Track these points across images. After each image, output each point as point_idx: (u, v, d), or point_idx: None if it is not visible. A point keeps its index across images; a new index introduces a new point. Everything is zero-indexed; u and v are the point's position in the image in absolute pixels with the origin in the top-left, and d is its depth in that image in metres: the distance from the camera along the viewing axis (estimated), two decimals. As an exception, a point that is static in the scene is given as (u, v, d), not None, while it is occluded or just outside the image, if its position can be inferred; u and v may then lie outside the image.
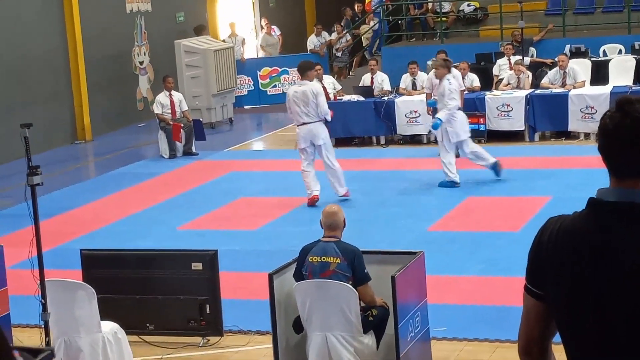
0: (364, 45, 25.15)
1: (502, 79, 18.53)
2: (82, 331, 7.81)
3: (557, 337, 3.14)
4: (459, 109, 14.08)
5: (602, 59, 19.77)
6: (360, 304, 7.36)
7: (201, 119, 18.85)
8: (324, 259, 7.39)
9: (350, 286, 7.30)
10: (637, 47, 19.93)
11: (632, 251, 2.85)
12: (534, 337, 3.12)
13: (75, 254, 9.10)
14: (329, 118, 13.83)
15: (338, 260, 7.36)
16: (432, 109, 14.71)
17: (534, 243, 3.08)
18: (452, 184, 13.85)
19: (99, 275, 8.61)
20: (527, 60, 19.25)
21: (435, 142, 16.52)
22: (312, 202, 13.35)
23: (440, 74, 14.07)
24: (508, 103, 17.11)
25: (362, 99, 18.10)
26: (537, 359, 3.14)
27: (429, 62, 20.14)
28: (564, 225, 3.01)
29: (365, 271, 7.40)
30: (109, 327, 7.95)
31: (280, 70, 23.74)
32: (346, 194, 13.52)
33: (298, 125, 13.47)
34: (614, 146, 2.91)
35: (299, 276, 7.48)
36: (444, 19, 23.66)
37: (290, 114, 13.60)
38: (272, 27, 25.38)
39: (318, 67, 18.77)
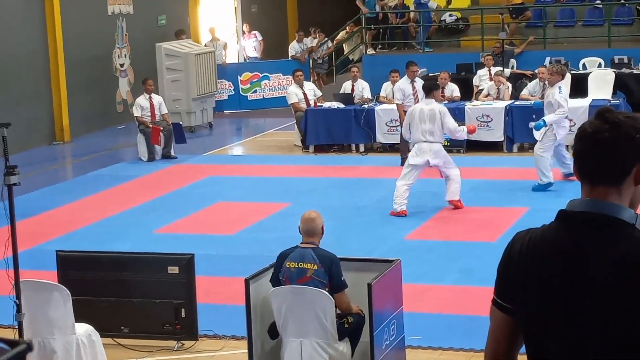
0: (345, 52, 25.17)
1: (482, 90, 18.60)
2: (56, 333, 7.77)
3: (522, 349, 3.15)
4: (566, 117, 14.23)
5: (582, 72, 19.90)
6: (336, 311, 7.36)
7: (181, 123, 18.81)
8: (301, 265, 7.39)
9: (327, 293, 7.30)
10: (616, 61, 20.07)
11: (603, 263, 2.85)
12: (501, 352, 3.11)
13: (51, 255, 9.04)
14: (464, 136, 13.89)
15: (315, 267, 7.36)
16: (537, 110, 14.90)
17: (504, 256, 3.07)
18: (548, 187, 13.88)
19: (74, 277, 8.57)
20: (507, 71, 19.35)
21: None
22: (398, 214, 13.04)
23: (553, 80, 14.11)
24: (487, 114, 17.17)
25: (342, 106, 18.11)
26: None
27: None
28: (533, 238, 3.00)
29: (342, 279, 7.40)
30: (84, 329, 7.92)
31: (261, 75, 23.74)
32: (455, 202, 13.23)
33: (416, 143, 13.27)
34: (590, 150, 2.92)
35: (276, 281, 7.48)
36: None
37: (407, 132, 13.40)
38: (254, 32, 25.38)
39: (299, 73, 18.82)
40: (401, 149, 16.36)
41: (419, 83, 16.59)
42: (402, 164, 16.00)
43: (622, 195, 2.92)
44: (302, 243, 7.54)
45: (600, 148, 2.90)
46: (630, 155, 2.90)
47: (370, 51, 23.81)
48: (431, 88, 13.66)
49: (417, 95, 16.33)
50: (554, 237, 2.95)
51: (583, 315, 2.86)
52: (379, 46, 24.34)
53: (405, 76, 16.76)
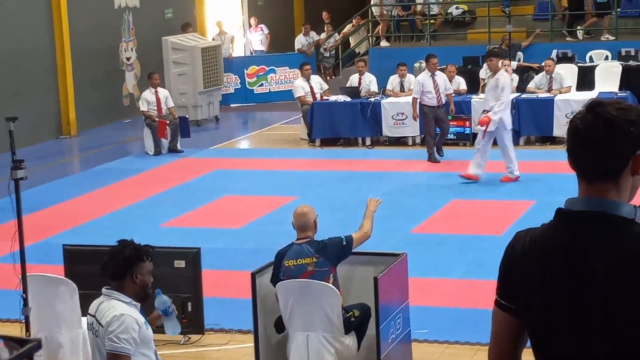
0: (351, 46, 25.16)
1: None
2: (63, 327, 7.79)
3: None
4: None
5: (589, 64, 19.85)
6: (342, 305, 7.37)
7: (187, 116, 18.81)
8: (299, 261, 7.39)
9: (332, 286, 7.30)
10: (623, 53, 20.01)
11: (604, 260, 2.84)
12: (506, 352, 3.09)
13: (58, 249, 9.07)
14: None
15: (314, 260, 7.36)
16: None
17: (505, 257, 3.04)
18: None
19: (81, 271, 8.56)
20: (514, 64, 19.29)
21: (421, 144, 16.58)
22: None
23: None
24: (494, 107, 17.08)
25: (348, 99, 18.09)
26: None
27: (416, 65, 20.18)
28: (534, 238, 2.98)
29: (341, 240, 7.41)
30: (90, 323, 7.92)
31: (267, 69, 23.73)
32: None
33: None
34: (585, 148, 2.88)
35: (276, 281, 7.46)
36: (432, 21, 23.71)
37: None
38: (260, 25, 25.37)
39: (307, 67, 18.79)
40: (427, 144, 16.15)
41: (440, 77, 16.31)
42: (430, 159, 15.93)
43: (620, 189, 2.89)
44: (297, 239, 7.53)
45: (595, 146, 2.86)
46: (625, 149, 2.86)
47: (384, 43, 23.74)
48: None
49: (438, 90, 16.02)
50: (554, 236, 2.93)
51: (589, 313, 2.85)
52: (384, 39, 24.31)
53: (426, 70, 16.55)
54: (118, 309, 5.20)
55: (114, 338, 5.13)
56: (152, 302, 5.63)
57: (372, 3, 24.10)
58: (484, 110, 14.47)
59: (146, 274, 5.33)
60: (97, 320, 5.25)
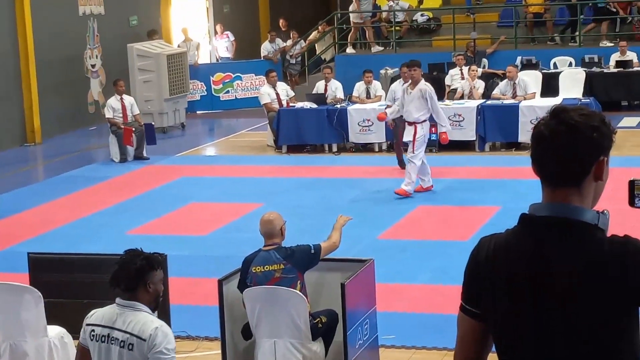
0: (317, 52, 25.22)
1: (454, 89, 18.65)
2: (28, 335, 7.73)
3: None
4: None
5: (553, 71, 20.03)
6: (309, 311, 7.37)
7: (153, 123, 18.75)
8: (267, 268, 7.39)
9: (300, 293, 7.31)
10: (587, 60, 20.21)
11: (567, 265, 2.86)
12: (472, 357, 3.11)
13: (23, 257, 9.00)
14: None
15: (282, 266, 7.37)
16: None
17: (470, 263, 3.06)
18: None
19: (46, 279, 8.52)
20: (479, 70, 19.42)
21: (387, 150, 16.60)
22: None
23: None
24: (460, 113, 17.21)
25: (315, 106, 18.11)
26: None
27: (382, 71, 20.26)
28: (498, 243, 3.00)
29: (310, 249, 7.42)
30: (56, 331, 7.88)
31: (233, 76, 23.70)
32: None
33: None
34: (549, 153, 2.91)
35: (243, 287, 7.45)
36: (397, 28, 23.80)
37: None
38: (226, 32, 25.35)
39: (273, 74, 18.80)
40: (396, 151, 16.15)
41: None
42: (399, 165, 15.95)
43: (583, 195, 2.92)
44: (264, 246, 7.53)
45: (559, 151, 2.88)
46: (588, 155, 2.89)
47: (350, 50, 23.83)
48: None
49: None
50: (517, 241, 2.95)
51: (553, 317, 2.88)
52: (350, 46, 24.38)
53: (401, 78, 16.54)
54: (154, 321, 5.22)
55: (163, 350, 5.12)
56: None
57: (344, 10, 24.16)
58: (406, 122, 14.25)
59: (158, 282, 5.34)
60: (129, 333, 5.17)
